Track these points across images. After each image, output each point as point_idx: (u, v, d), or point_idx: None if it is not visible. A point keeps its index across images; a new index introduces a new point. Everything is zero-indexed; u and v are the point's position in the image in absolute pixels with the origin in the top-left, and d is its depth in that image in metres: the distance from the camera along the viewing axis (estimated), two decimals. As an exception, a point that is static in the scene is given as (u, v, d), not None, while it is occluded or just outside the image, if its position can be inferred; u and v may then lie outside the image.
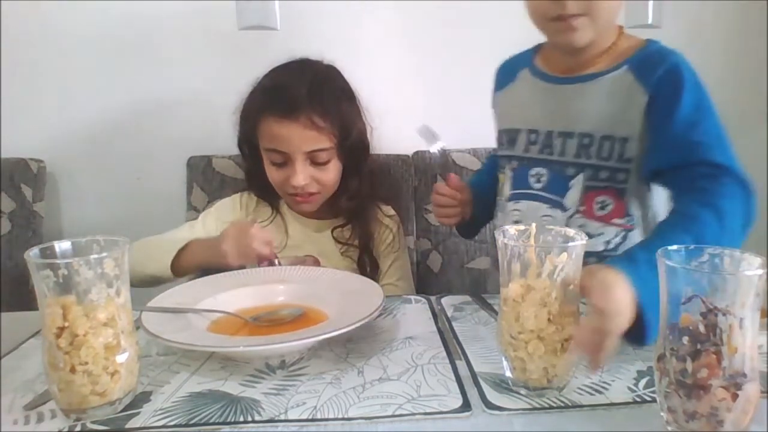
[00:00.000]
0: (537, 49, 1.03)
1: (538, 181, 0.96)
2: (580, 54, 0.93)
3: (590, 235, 0.94)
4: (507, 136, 1.01)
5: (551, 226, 0.64)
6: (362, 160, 1.15)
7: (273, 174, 1.10)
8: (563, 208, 0.95)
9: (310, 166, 1.07)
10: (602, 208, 0.93)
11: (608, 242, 0.93)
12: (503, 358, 0.60)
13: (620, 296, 0.57)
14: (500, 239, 0.60)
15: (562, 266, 0.57)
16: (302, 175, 1.06)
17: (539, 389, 0.58)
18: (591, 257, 0.93)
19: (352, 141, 1.10)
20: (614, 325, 0.55)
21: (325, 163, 1.08)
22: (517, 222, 0.98)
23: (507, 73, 1.04)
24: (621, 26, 0.93)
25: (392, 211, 1.22)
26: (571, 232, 0.61)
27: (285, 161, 1.07)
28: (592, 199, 0.93)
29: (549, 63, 0.98)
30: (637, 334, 0.59)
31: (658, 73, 0.86)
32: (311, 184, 1.07)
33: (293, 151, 1.05)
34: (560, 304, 0.57)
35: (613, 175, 0.91)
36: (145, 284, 0.96)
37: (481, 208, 1.07)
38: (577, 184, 0.94)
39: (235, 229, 0.96)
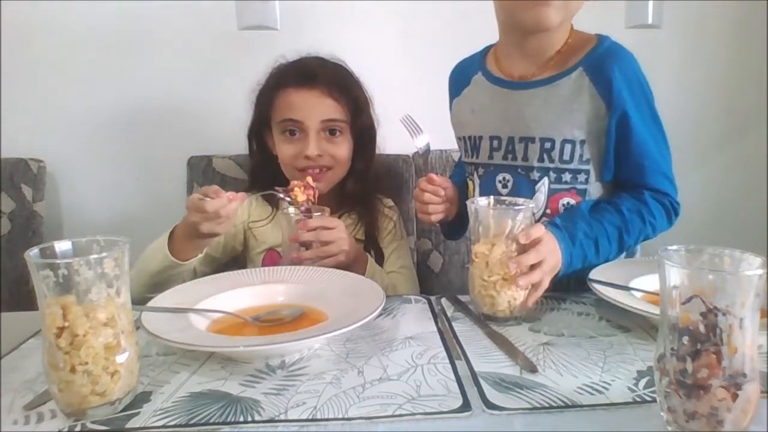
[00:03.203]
0: (486, 52, 1.04)
1: (505, 186, 0.98)
2: (536, 51, 0.94)
3: None
4: (470, 143, 1.02)
5: (505, 197, 0.82)
6: (370, 146, 1.18)
7: (285, 149, 1.11)
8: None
9: (324, 140, 1.09)
10: (566, 209, 0.94)
11: None
12: (476, 300, 0.79)
13: (556, 248, 0.80)
14: (471, 207, 0.79)
15: (516, 226, 0.76)
16: (315, 144, 1.08)
17: (505, 319, 0.77)
18: None
19: (362, 121, 1.14)
20: (549, 266, 0.77)
21: (338, 136, 1.11)
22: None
23: (460, 78, 1.05)
24: (572, 24, 0.95)
25: (391, 203, 1.24)
26: (520, 200, 0.80)
27: (299, 132, 1.09)
28: (557, 201, 0.95)
29: (501, 66, 0.99)
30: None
31: (612, 79, 0.88)
32: (324, 157, 1.09)
33: (309, 120, 1.08)
34: (517, 254, 0.75)
35: (575, 176, 0.93)
36: (156, 285, 0.93)
37: (464, 208, 1.05)
38: (542, 188, 0.96)
39: (188, 202, 0.90)
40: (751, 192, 1.59)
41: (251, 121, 1.18)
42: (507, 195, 0.97)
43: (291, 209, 0.97)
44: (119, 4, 1.42)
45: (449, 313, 0.82)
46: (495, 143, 0.97)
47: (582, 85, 0.90)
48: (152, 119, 1.49)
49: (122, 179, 1.51)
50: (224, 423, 0.54)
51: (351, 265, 0.97)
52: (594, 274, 0.83)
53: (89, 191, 1.51)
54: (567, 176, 0.93)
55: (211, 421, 0.54)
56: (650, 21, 1.47)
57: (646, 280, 0.80)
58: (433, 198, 0.98)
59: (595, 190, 0.94)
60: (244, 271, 0.90)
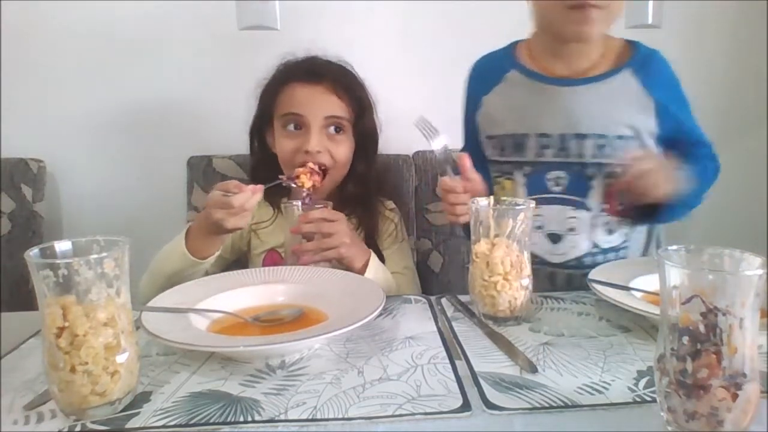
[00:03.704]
0: (512, 48, 1.03)
1: (557, 184, 0.97)
2: (577, 53, 0.94)
3: (612, 231, 0.99)
4: (511, 142, 0.99)
5: (505, 198, 0.81)
6: (372, 148, 1.18)
7: (285, 144, 1.10)
8: (587, 208, 0.96)
9: (326, 137, 1.09)
10: (621, 203, 0.95)
11: (626, 234, 0.98)
12: (476, 299, 0.78)
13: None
14: (471, 206, 0.78)
15: (517, 226, 0.75)
16: (317, 140, 1.07)
17: (505, 319, 0.76)
18: (610, 253, 0.99)
19: (365, 123, 1.13)
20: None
21: (340, 135, 1.10)
22: (539, 228, 0.98)
23: (489, 75, 1.03)
24: None
25: (392, 204, 1.23)
26: (520, 200, 0.80)
27: (301, 127, 1.09)
28: (612, 195, 0.95)
29: (539, 63, 0.98)
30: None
31: (658, 78, 0.95)
32: (324, 155, 1.08)
33: (311, 115, 1.07)
34: (518, 253, 0.75)
35: (626, 170, 0.92)
36: (173, 284, 0.89)
37: None
38: (598, 184, 0.96)
39: (210, 198, 0.90)
40: (751, 192, 1.59)
41: (254, 117, 1.18)
42: (560, 193, 0.96)
43: (294, 202, 0.97)
44: (119, 5, 1.42)
45: (449, 313, 0.82)
46: (544, 141, 0.96)
47: (630, 84, 0.93)
48: (152, 119, 1.49)
49: (122, 179, 1.51)
50: (224, 423, 0.54)
51: (353, 258, 0.97)
52: (594, 274, 0.83)
53: (89, 191, 1.51)
54: (620, 169, 0.93)
55: (211, 421, 0.54)
56: (650, 21, 1.47)
57: (646, 280, 0.80)
58: (461, 197, 0.92)
59: None
60: (244, 271, 0.90)
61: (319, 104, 1.08)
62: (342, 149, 1.11)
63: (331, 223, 0.95)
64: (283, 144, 1.11)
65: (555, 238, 0.99)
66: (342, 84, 1.10)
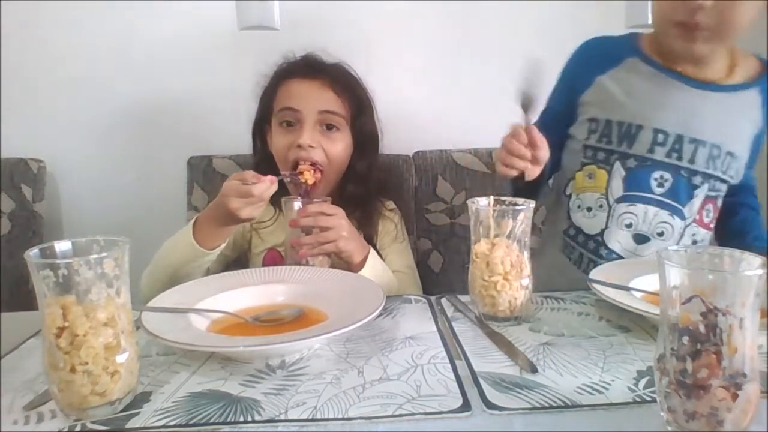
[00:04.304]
0: (633, 36, 0.98)
1: (661, 185, 0.93)
2: (702, 57, 0.91)
3: (696, 242, 0.97)
4: (622, 130, 0.94)
5: (505, 198, 0.79)
6: (372, 149, 1.17)
7: (280, 139, 1.10)
8: (682, 216, 0.94)
9: (320, 133, 1.08)
10: (707, 215, 0.94)
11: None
12: (476, 300, 0.78)
13: None
14: (471, 206, 0.78)
15: (517, 226, 0.76)
16: (310, 135, 1.06)
17: (505, 319, 0.76)
18: None
19: (364, 122, 1.13)
20: None
21: (335, 133, 1.09)
22: (628, 226, 0.95)
23: (606, 55, 0.96)
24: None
25: (393, 205, 1.23)
26: (520, 200, 0.78)
27: (295, 122, 1.08)
28: (703, 207, 0.94)
29: (664, 57, 0.93)
30: None
31: None
32: (317, 150, 1.07)
33: (306, 110, 1.07)
34: (518, 253, 0.75)
35: (723, 186, 0.94)
36: (178, 279, 0.91)
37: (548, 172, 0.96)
38: (701, 194, 0.93)
39: (228, 188, 0.91)
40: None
41: (255, 117, 1.18)
42: (661, 195, 0.93)
43: (293, 198, 0.98)
44: (119, 4, 1.42)
45: (449, 313, 0.82)
46: (660, 137, 0.92)
47: (755, 104, 0.92)
48: (152, 119, 1.49)
49: (122, 179, 1.51)
50: (224, 423, 0.54)
51: (352, 252, 0.97)
52: (594, 274, 0.83)
53: (89, 191, 1.51)
54: (720, 186, 0.94)
55: (211, 421, 0.54)
56: (650, 21, 1.46)
57: (646, 280, 0.80)
58: (522, 148, 0.85)
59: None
60: (244, 271, 0.90)
61: (315, 98, 1.08)
62: (337, 147, 1.10)
63: (329, 216, 0.95)
64: (277, 141, 1.10)
65: (641, 239, 0.95)
66: (340, 81, 1.10)
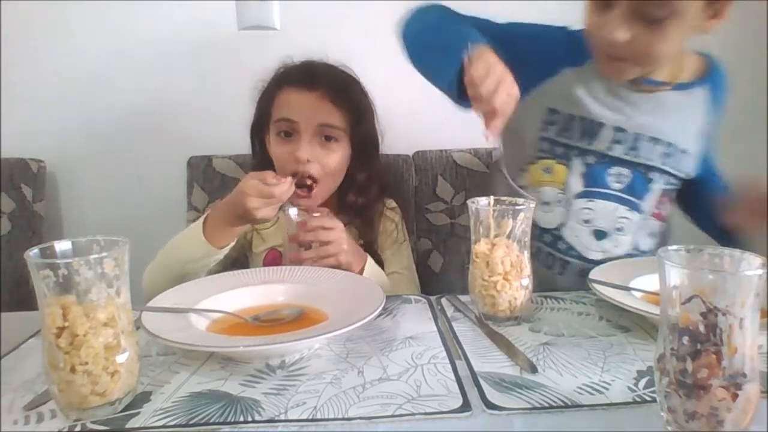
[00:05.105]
0: None
1: (619, 181, 0.95)
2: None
3: (654, 235, 1.00)
4: (582, 126, 0.94)
5: (505, 198, 0.79)
6: (371, 156, 1.16)
7: (277, 150, 1.09)
8: (640, 211, 0.96)
9: (317, 145, 1.07)
10: (663, 208, 0.98)
11: (661, 239, 1.01)
12: (476, 300, 0.78)
13: None
14: (471, 207, 0.77)
15: (517, 226, 0.76)
16: (307, 149, 1.06)
17: (505, 319, 0.76)
18: (648, 255, 0.99)
19: (363, 130, 1.12)
20: None
21: (333, 144, 1.08)
22: (587, 221, 0.97)
23: (577, 52, 0.94)
24: None
25: (394, 204, 1.23)
26: (520, 201, 0.78)
27: (293, 133, 1.07)
28: (659, 201, 0.97)
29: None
30: None
31: (724, 101, 0.96)
32: (314, 165, 1.06)
33: (304, 122, 1.06)
34: (518, 253, 0.76)
35: (677, 182, 0.97)
36: (184, 277, 0.91)
37: None
38: (657, 189, 0.96)
39: (248, 187, 0.90)
40: (751, 192, 1.59)
41: (253, 120, 1.17)
42: (619, 191, 0.95)
43: (291, 210, 0.97)
44: (119, 4, 1.42)
45: (449, 313, 0.82)
46: (619, 136, 0.93)
47: (703, 100, 0.94)
48: (152, 119, 1.49)
49: (122, 179, 1.51)
50: (224, 423, 0.54)
51: (351, 264, 0.97)
52: (594, 274, 0.83)
53: (89, 191, 1.51)
54: (673, 180, 0.96)
55: (211, 421, 0.54)
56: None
57: (646, 280, 0.80)
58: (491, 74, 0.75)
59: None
60: (244, 271, 0.90)
61: (313, 111, 1.06)
62: (333, 158, 1.09)
63: (329, 230, 0.95)
64: (276, 151, 1.10)
65: (600, 234, 0.97)
66: (339, 91, 1.08)
